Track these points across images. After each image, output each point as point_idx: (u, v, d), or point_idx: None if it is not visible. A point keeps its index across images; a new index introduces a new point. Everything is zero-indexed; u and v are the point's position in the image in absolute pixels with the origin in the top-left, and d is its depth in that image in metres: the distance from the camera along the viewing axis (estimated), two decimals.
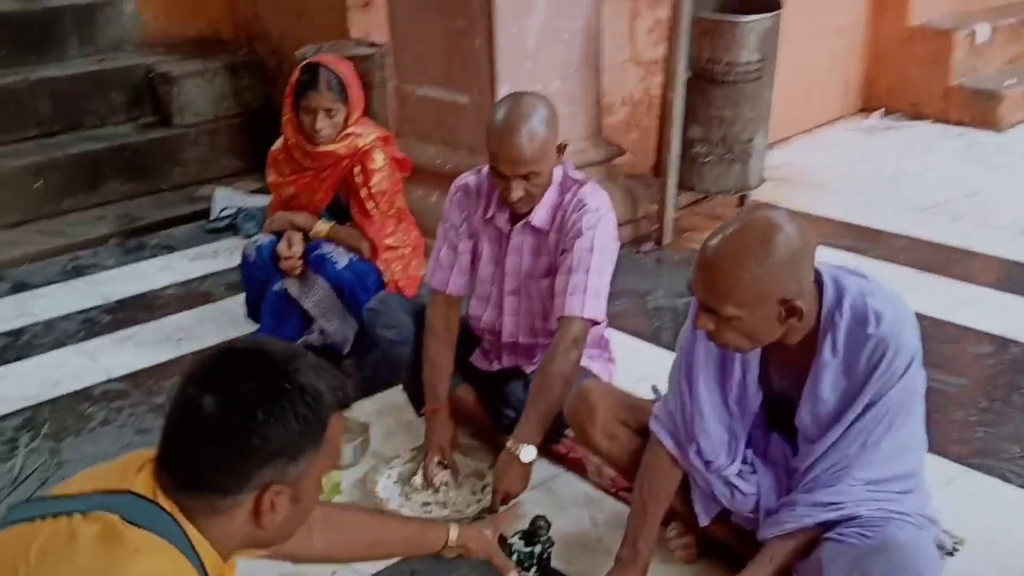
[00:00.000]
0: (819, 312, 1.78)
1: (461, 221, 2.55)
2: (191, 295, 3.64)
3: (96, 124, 4.89)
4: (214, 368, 1.24)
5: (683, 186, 4.05)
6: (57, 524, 1.18)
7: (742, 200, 4.22)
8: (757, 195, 4.25)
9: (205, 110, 5.01)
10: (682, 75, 3.81)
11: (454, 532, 1.76)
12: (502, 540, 1.96)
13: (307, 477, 1.27)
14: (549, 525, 2.13)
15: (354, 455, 2.57)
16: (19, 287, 3.78)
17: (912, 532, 1.79)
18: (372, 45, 4.44)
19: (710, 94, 3.84)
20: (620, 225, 3.18)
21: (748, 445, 2.03)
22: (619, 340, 2.83)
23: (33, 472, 2.55)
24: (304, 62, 3.02)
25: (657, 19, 4.65)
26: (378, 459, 2.55)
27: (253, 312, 3.15)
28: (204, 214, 4.47)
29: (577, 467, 2.51)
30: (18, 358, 3.20)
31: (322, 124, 2.95)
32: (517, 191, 2.34)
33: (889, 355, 1.74)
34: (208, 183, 4.83)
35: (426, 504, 2.37)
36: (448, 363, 2.50)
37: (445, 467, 2.43)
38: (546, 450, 2.50)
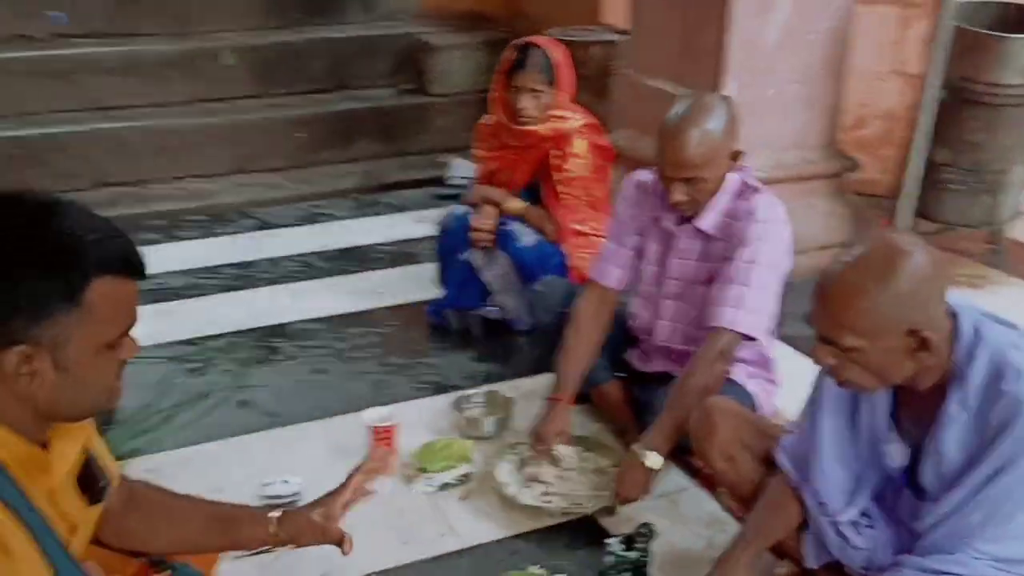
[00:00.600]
0: (951, 357, 1.59)
1: (630, 217, 2.51)
2: (402, 254, 3.83)
3: (361, 86, 5.24)
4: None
5: (922, 214, 3.71)
6: None
7: (992, 237, 3.80)
8: (1010, 233, 3.81)
9: (460, 82, 5.23)
10: (935, 91, 3.48)
11: (273, 523, 1.59)
12: (602, 544, 1.92)
13: (71, 344, 1.20)
14: (652, 534, 2.07)
15: (494, 428, 2.61)
16: (262, 225, 4.16)
17: None
18: (620, 32, 4.44)
19: (964, 116, 3.48)
20: (837, 245, 2.98)
21: (878, 499, 1.86)
22: (801, 366, 2.66)
23: (215, 391, 2.82)
24: (518, 41, 3.07)
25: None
26: (514, 438, 2.57)
27: (443, 278, 3.27)
28: (440, 180, 4.67)
29: (708, 484, 2.40)
30: (240, 288, 3.54)
31: (527, 104, 3.00)
32: (678, 194, 2.26)
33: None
34: (450, 152, 5.04)
35: (546, 494, 2.35)
36: (585, 355, 2.46)
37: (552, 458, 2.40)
38: (682, 461, 2.42)
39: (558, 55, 3.02)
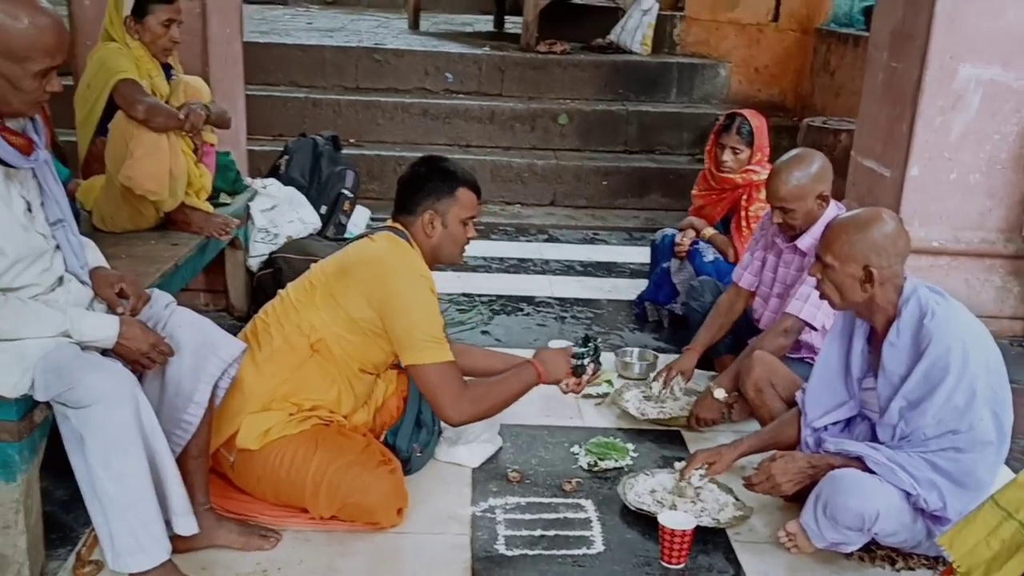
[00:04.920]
0: (896, 305, 2.42)
1: (761, 235, 3.44)
2: (640, 271, 4.92)
3: (663, 152, 6.47)
4: (424, 161, 2.74)
5: None
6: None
7: None
8: None
9: None
10: None
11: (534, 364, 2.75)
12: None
13: (449, 215, 2.65)
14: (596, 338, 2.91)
15: (640, 371, 3.64)
16: (550, 239, 5.53)
17: (868, 474, 2.37)
18: None
19: None
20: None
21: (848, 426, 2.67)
22: None
23: (470, 322, 4.13)
24: (730, 111, 4.10)
25: None
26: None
27: (649, 279, 4.35)
28: None
29: None
30: (515, 272, 4.88)
31: (728, 158, 4.01)
32: (776, 217, 3.18)
33: (935, 345, 2.31)
34: None
35: (652, 411, 3.34)
36: (717, 329, 3.42)
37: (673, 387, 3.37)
38: None
39: (758, 123, 4.00)
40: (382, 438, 2.85)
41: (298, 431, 2.59)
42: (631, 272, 4.97)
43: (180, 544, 2.29)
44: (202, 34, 3.85)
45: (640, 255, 5.20)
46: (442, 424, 2.98)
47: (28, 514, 2.23)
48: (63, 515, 2.56)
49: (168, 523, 2.22)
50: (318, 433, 2.61)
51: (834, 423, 2.66)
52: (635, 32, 7.03)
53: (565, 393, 2.82)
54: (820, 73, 6.40)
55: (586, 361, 2.76)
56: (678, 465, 2.80)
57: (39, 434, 2.23)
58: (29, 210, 2.18)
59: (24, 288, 2.14)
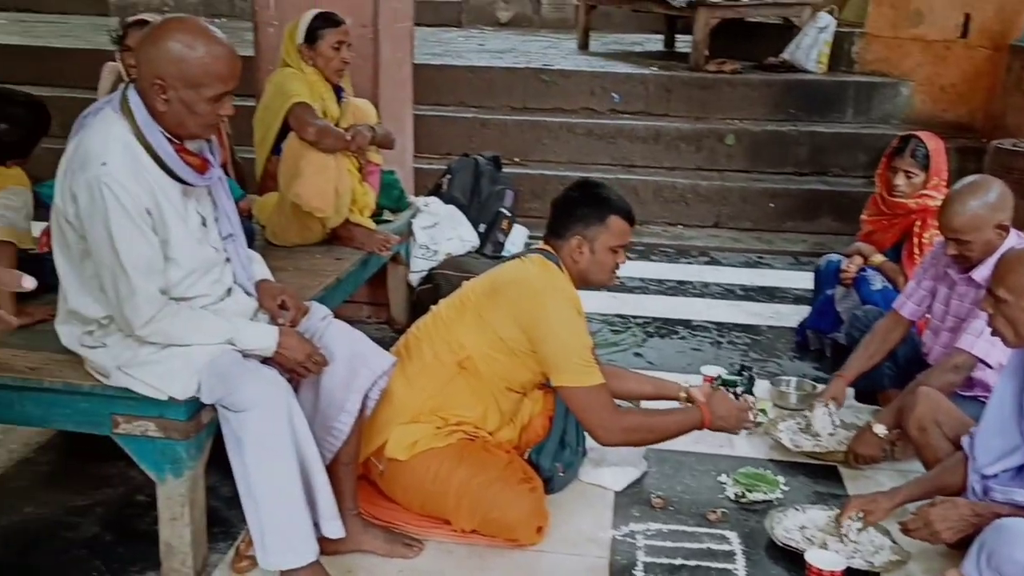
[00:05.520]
0: None
1: (931, 265, 3.26)
2: (803, 297, 4.72)
3: (836, 173, 6.22)
4: (578, 185, 2.73)
5: None
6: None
7: None
8: None
9: None
10: None
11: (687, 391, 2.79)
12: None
13: (598, 242, 2.63)
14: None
15: (797, 401, 3.51)
16: (711, 261, 5.42)
17: None
18: None
19: None
20: None
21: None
22: None
23: (623, 344, 4.11)
24: (904, 133, 3.90)
25: None
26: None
27: (812, 306, 4.19)
28: None
29: None
30: (673, 295, 4.81)
31: (901, 182, 3.81)
32: (950, 248, 3.00)
33: None
34: None
35: (807, 443, 3.21)
36: (868, 358, 3.25)
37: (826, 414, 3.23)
38: None
39: (934, 145, 3.80)
40: (526, 456, 2.87)
41: (444, 444, 2.65)
42: (795, 298, 4.81)
43: (327, 547, 2.39)
44: (374, 58, 4.01)
45: (806, 281, 4.99)
46: (587, 445, 2.98)
47: (193, 507, 2.39)
48: (226, 511, 2.72)
49: (316, 526, 2.32)
50: (463, 447, 2.66)
51: (1004, 470, 2.48)
52: (810, 50, 6.81)
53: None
54: (1013, 92, 5.99)
55: (739, 390, 2.71)
56: (830, 513, 2.69)
57: (205, 434, 2.39)
58: (203, 225, 2.34)
59: (196, 298, 2.31)
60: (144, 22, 3.21)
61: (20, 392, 2.38)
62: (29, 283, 1.29)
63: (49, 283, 2.42)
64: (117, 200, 2.08)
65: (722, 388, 2.96)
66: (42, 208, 2.72)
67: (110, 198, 2.08)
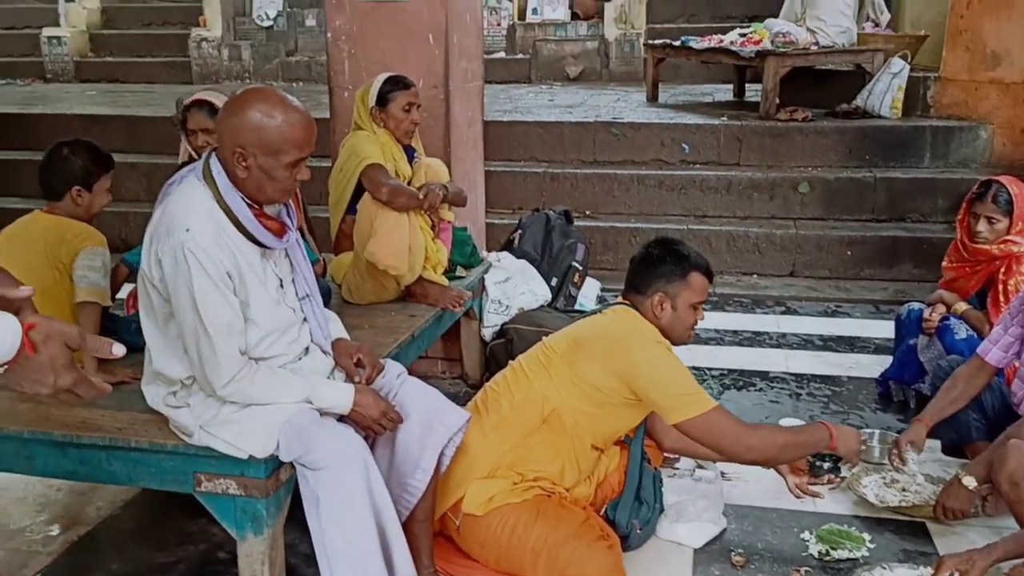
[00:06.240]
0: None
1: (1020, 310, 3.15)
2: (884, 347, 4.61)
3: (915, 219, 6.09)
4: (658, 242, 2.75)
5: None
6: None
7: None
8: None
9: None
10: None
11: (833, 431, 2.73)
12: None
13: (679, 298, 2.66)
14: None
15: (881, 455, 3.40)
16: (787, 311, 5.32)
17: None
18: None
19: None
20: None
21: None
22: None
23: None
24: (986, 178, 3.81)
25: None
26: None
27: (893, 355, 4.08)
28: None
29: None
30: (749, 346, 4.74)
31: (983, 228, 3.72)
32: None
33: None
34: None
35: (893, 498, 3.11)
36: (949, 403, 3.16)
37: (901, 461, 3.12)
38: None
39: (1017, 190, 3.70)
40: (602, 512, 2.84)
41: (521, 500, 2.64)
42: (875, 348, 4.69)
43: None
44: (445, 118, 4.10)
45: (887, 330, 4.88)
46: (664, 502, 2.94)
47: (272, 565, 2.42)
48: (304, 568, 2.75)
49: None
50: (540, 503, 2.65)
51: None
52: (884, 96, 6.72)
53: (795, 493, 2.74)
54: None
55: (826, 465, 2.68)
56: (919, 573, 2.59)
57: (284, 492, 2.42)
58: (281, 286, 2.40)
59: (274, 357, 2.36)
60: (202, 102, 3.29)
61: (108, 451, 2.45)
62: (119, 350, 1.34)
63: (132, 343, 2.50)
64: (200, 265, 2.15)
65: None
66: (133, 274, 2.84)
67: (193, 263, 2.15)
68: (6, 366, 1.28)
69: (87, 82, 10.66)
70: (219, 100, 3.12)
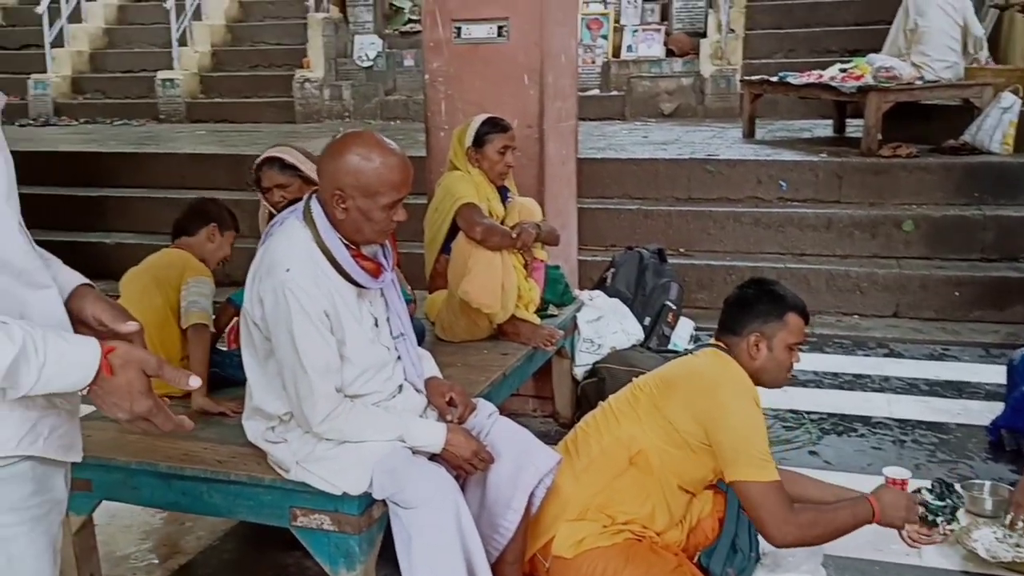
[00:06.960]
0: None
1: None
2: (996, 393, 4.40)
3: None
4: (753, 283, 2.70)
5: None
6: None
7: None
8: None
9: None
10: None
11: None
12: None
13: (776, 339, 2.58)
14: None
15: (992, 508, 3.25)
16: (890, 354, 5.15)
17: None
18: None
19: None
20: None
21: None
22: None
23: (796, 440, 3.94)
24: None
25: None
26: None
27: (1006, 402, 3.90)
28: None
29: None
30: (850, 389, 4.60)
31: None
32: None
33: None
34: None
35: (1006, 554, 2.96)
36: None
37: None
38: None
39: None
40: (695, 559, 2.78)
41: (610, 543, 2.60)
42: (986, 393, 4.49)
43: None
44: (539, 157, 4.13)
45: (998, 375, 4.67)
46: (761, 551, 2.85)
47: None
48: None
49: None
50: (630, 548, 2.60)
51: None
52: (993, 131, 6.49)
53: (908, 543, 2.62)
54: None
55: (940, 519, 2.55)
56: None
57: (376, 529, 2.45)
58: (376, 325, 2.45)
59: (369, 395, 2.40)
60: (272, 159, 3.24)
61: (209, 483, 2.52)
62: (195, 383, 1.42)
63: (234, 377, 2.55)
64: (299, 304, 2.21)
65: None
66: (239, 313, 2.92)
67: (293, 302, 2.21)
68: (88, 388, 1.35)
69: (197, 122, 11.10)
70: (288, 155, 3.16)
